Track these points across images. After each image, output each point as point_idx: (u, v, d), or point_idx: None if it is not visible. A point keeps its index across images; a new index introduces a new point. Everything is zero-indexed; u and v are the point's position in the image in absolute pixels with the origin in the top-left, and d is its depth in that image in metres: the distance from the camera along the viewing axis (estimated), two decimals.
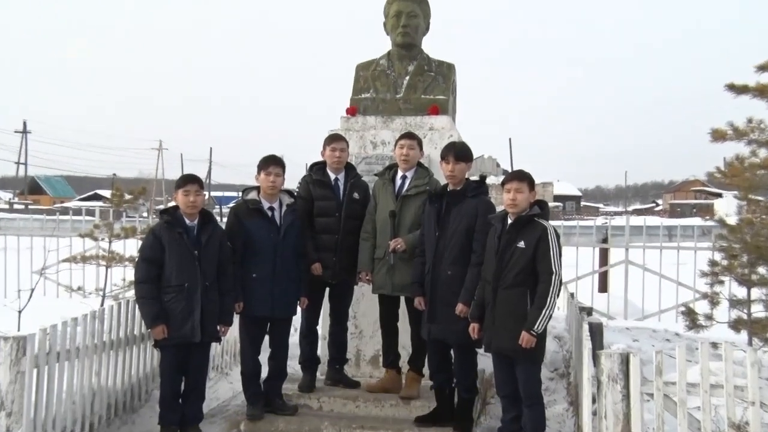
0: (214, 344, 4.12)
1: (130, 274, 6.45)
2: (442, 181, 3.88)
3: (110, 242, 6.79)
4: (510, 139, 45.26)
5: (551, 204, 42.19)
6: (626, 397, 2.89)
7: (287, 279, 3.80)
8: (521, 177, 3.30)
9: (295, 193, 4.11)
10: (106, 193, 26.68)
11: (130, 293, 5.94)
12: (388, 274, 3.92)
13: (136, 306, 3.70)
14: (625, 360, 2.93)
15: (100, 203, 14.90)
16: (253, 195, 3.86)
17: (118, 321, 3.75)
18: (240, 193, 4.16)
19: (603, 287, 7.75)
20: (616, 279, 7.42)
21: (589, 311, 4.41)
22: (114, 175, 50.09)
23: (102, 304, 6.15)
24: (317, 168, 4.22)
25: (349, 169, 4.26)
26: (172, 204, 3.75)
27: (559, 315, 5.62)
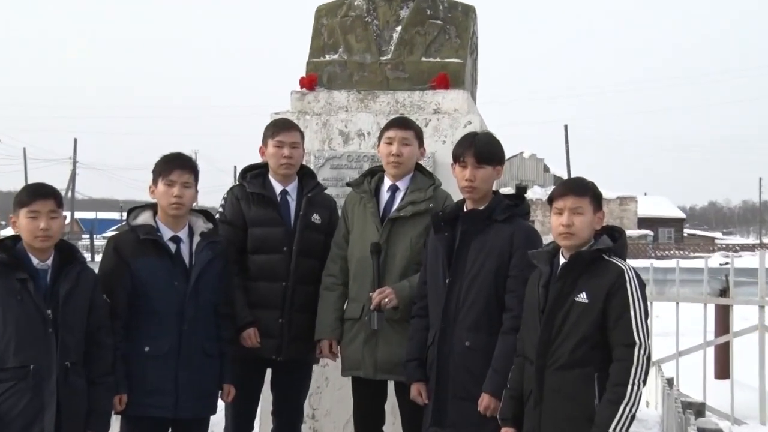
0: None
1: None
2: (456, 196, 3.94)
3: None
4: (566, 127, 45.88)
5: (632, 232, 42.73)
6: None
7: (201, 355, 3.80)
8: (580, 189, 3.36)
9: (217, 216, 4.14)
10: None
11: None
12: (368, 346, 3.94)
13: None
14: None
15: None
16: (145, 218, 3.87)
17: None
18: (124, 215, 4.16)
19: (723, 370, 7.78)
20: (745, 356, 7.43)
21: (699, 409, 4.44)
22: None
23: None
24: (254, 175, 4.26)
25: (306, 176, 4.32)
26: (7, 233, 3.74)
27: (648, 415, 5.66)
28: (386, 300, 3.85)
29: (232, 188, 4.32)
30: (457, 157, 3.71)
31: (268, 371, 4.28)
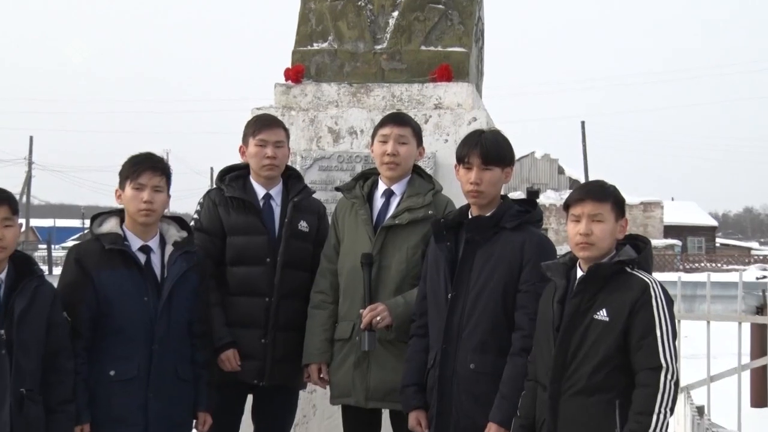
0: None
1: None
2: (459, 202, 3.96)
3: None
4: (583, 123, 45.99)
5: (657, 242, 42.74)
6: None
7: (174, 379, 3.81)
8: (600, 193, 3.38)
9: (192, 223, 4.16)
10: None
11: None
12: (359, 371, 3.96)
13: None
14: None
15: None
16: (111, 225, 3.87)
17: None
18: (87, 223, 4.16)
19: (759, 397, 7.79)
20: None
21: None
22: None
23: None
24: (233, 177, 4.28)
25: (291, 178, 4.34)
26: None
27: None
28: (378, 318, 3.86)
29: (208, 192, 4.33)
30: (461, 158, 3.72)
31: (249, 398, 4.28)
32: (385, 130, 4.07)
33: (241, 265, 4.14)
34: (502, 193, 3.83)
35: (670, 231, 50.51)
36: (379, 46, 5.17)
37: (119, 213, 3.91)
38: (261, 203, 4.22)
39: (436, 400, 3.64)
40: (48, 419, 3.57)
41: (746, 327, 7.58)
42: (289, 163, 4.42)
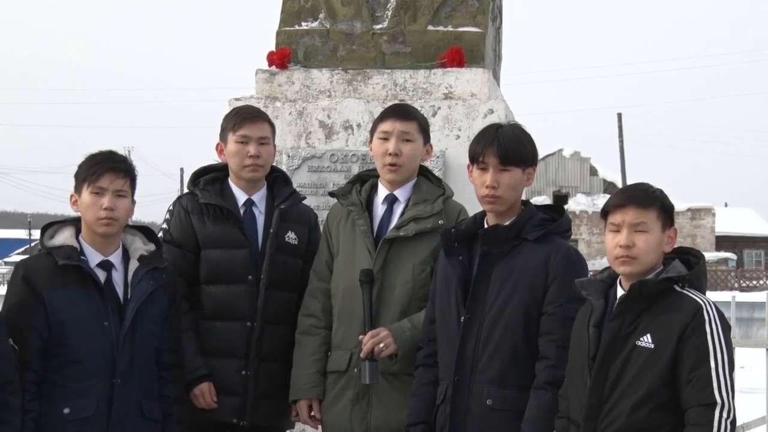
0: None
1: None
2: (473, 208, 3.98)
3: None
4: (620, 115, 46.01)
5: (708, 255, 42.65)
6: None
7: (139, 418, 3.82)
8: (644, 199, 3.39)
9: (160, 234, 4.18)
10: None
11: None
12: (358, 408, 3.98)
13: None
14: None
15: None
16: (65, 237, 3.89)
17: None
18: (36, 234, 4.17)
19: None
20: None
21: None
22: None
23: None
24: (209, 180, 4.31)
25: (277, 182, 4.37)
26: None
27: None
28: (381, 345, 3.87)
29: (179, 198, 4.37)
30: (475, 157, 3.74)
31: None
32: (387, 125, 4.09)
33: (219, 283, 4.17)
34: (524, 198, 3.85)
35: (723, 242, 50.45)
36: (378, 26, 5.19)
37: (75, 222, 3.92)
38: (242, 211, 4.24)
39: None
40: None
41: None
42: (274, 164, 4.44)
